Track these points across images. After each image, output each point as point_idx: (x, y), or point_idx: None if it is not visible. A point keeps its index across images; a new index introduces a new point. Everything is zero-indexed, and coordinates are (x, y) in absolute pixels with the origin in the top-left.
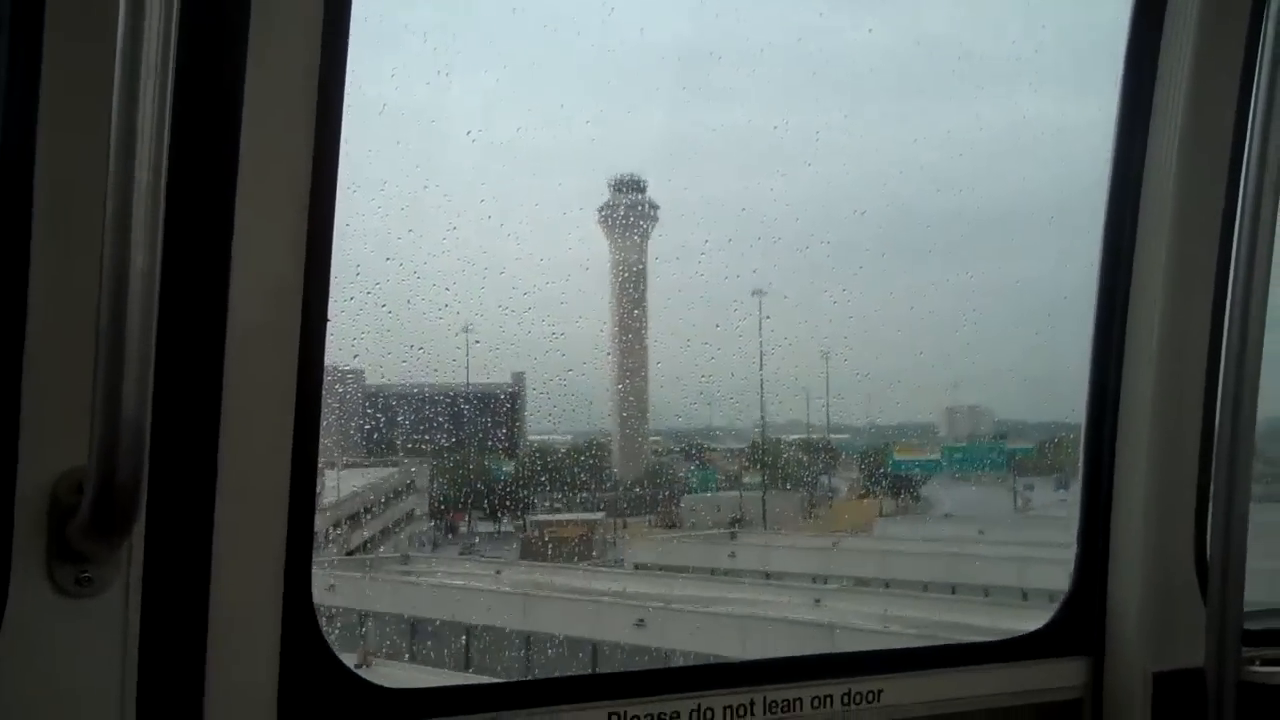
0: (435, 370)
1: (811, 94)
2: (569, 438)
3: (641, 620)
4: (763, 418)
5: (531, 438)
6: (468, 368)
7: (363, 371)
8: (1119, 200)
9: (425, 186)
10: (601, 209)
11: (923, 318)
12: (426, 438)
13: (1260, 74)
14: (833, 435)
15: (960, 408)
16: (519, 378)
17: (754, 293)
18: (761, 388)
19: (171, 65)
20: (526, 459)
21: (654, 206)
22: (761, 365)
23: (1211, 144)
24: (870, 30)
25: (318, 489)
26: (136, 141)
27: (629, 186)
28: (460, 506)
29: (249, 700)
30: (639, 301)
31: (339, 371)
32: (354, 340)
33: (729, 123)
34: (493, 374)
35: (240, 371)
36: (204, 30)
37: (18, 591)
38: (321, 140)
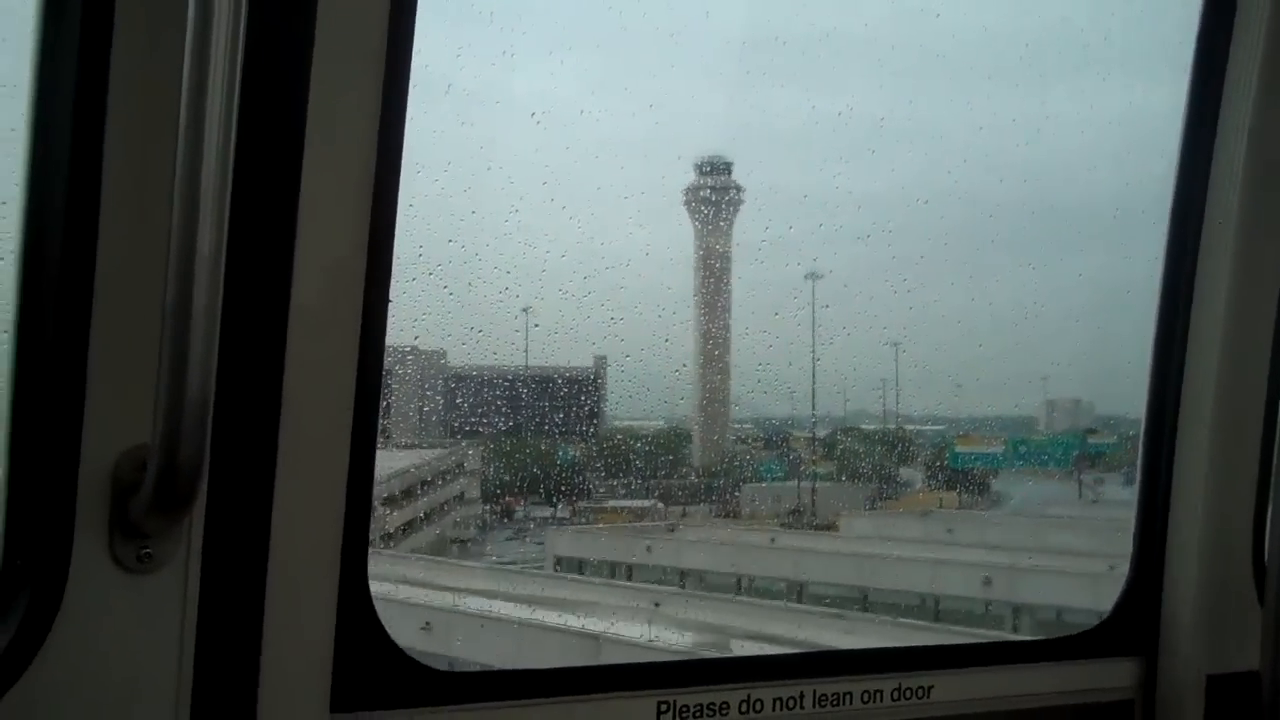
0: (495, 353)
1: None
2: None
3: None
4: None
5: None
6: (526, 351)
7: (444, 352)
8: (1185, 193)
9: (489, 168)
10: (687, 191)
11: (1011, 309)
12: (487, 420)
13: None
14: (928, 427)
15: (1063, 400)
16: (601, 361)
17: (807, 276)
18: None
19: (240, 47)
20: (608, 443)
21: (738, 189)
22: (815, 356)
23: None
24: (938, 15)
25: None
26: (204, 123)
27: (717, 169)
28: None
29: (303, 678)
30: (713, 289)
31: (420, 352)
32: (415, 321)
33: (794, 107)
34: (550, 358)
35: (302, 352)
36: (272, 11)
37: (80, 567)
38: (387, 121)
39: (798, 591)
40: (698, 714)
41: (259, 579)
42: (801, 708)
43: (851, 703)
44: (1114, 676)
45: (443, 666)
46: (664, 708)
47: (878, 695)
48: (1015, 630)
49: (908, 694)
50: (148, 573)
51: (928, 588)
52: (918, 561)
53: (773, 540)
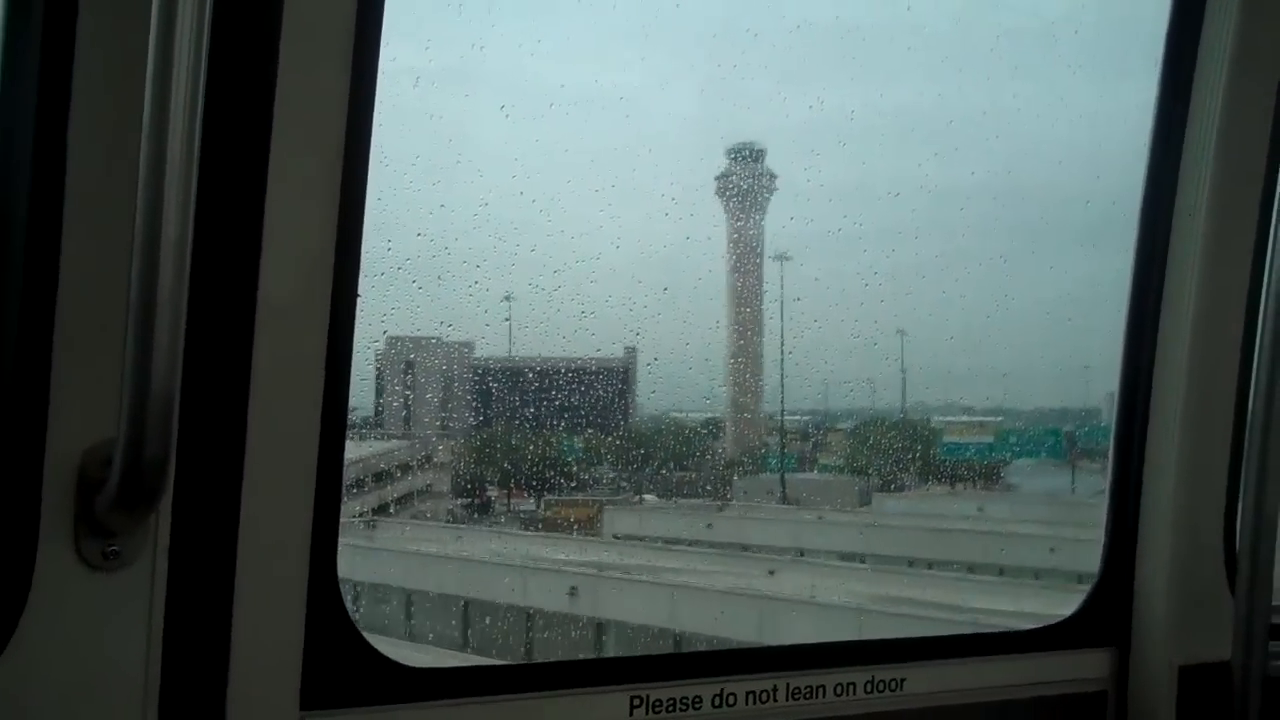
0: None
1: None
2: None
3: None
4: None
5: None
6: (510, 341)
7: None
8: (1155, 187)
9: (458, 161)
10: (719, 178)
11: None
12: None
13: None
14: (989, 418)
15: None
16: (631, 352)
17: (775, 258)
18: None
19: (206, 37)
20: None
21: (773, 177)
22: (783, 346)
23: (1249, 134)
24: (909, 8)
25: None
26: (169, 116)
27: (749, 155)
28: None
29: (273, 675)
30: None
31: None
32: (383, 316)
33: (765, 100)
34: (520, 350)
35: (270, 347)
36: (238, 2)
37: (45, 564)
38: (354, 114)
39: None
40: (670, 708)
41: (227, 576)
42: (775, 701)
43: (825, 696)
44: (1087, 668)
45: None
46: (636, 702)
47: (850, 688)
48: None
49: (880, 686)
50: (114, 570)
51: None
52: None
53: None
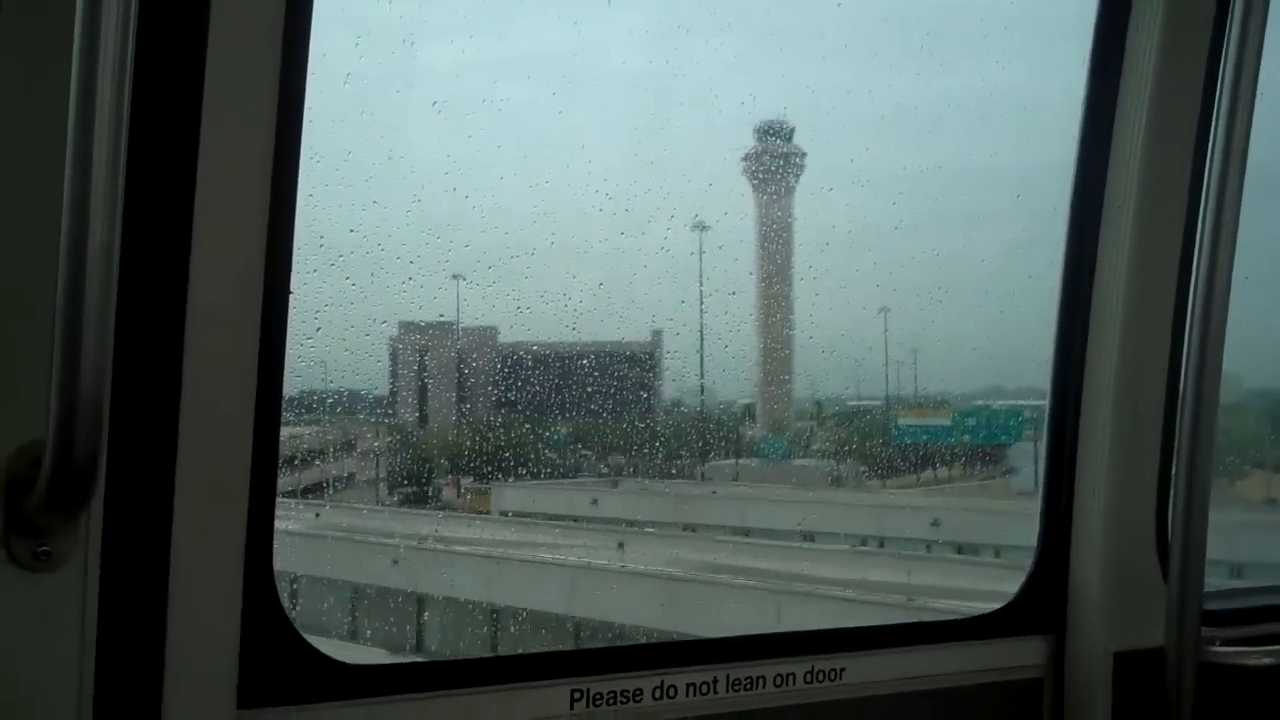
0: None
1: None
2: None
3: None
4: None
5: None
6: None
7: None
8: (1084, 179)
9: (389, 157)
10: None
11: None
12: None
13: (1227, 55)
14: (1032, 401)
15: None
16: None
17: (694, 227)
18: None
19: (132, 34)
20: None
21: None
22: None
23: (1177, 124)
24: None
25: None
26: (95, 111)
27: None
28: None
29: (209, 675)
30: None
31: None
32: (316, 313)
33: (698, 97)
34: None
35: (202, 343)
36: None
37: None
38: (284, 110)
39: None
40: (611, 701)
41: (161, 576)
42: (715, 692)
43: (765, 686)
44: (1023, 655)
45: None
46: (577, 695)
47: (790, 678)
48: None
49: (820, 676)
50: (46, 571)
51: None
52: None
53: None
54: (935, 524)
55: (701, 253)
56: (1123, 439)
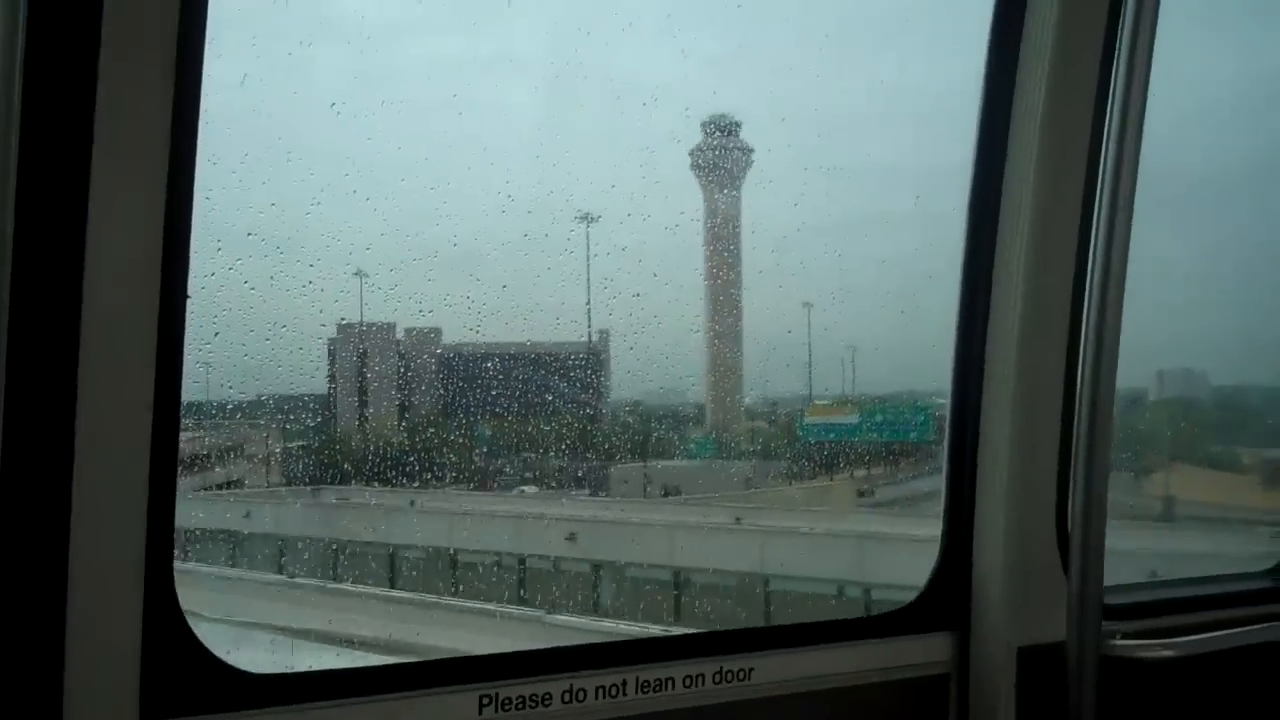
0: (300, 348)
1: None
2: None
3: None
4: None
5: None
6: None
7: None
8: (983, 177)
9: (288, 159)
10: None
11: None
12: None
13: (1119, 54)
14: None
15: (1173, 371)
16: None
17: (579, 218)
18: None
19: (21, 34)
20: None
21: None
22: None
23: (1072, 124)
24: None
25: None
26: None
27: None
28: None
29: (111, 687)
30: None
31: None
32: (214, 318)
33: (601, 98)
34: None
35: (97, 353)
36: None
37: None
38: (179, 113)
39: None
40: (520, 705)
41: (59, 586)
42: (625, 694)
43: (674, 687)
44: (929, 651)
45: None
46: (486, 701)
47: (699, 679)
48: None
49: (729, 676)
50: None
51: None
52: None
53: None
54: None
55: (589, 251)
56: (1023, 435)
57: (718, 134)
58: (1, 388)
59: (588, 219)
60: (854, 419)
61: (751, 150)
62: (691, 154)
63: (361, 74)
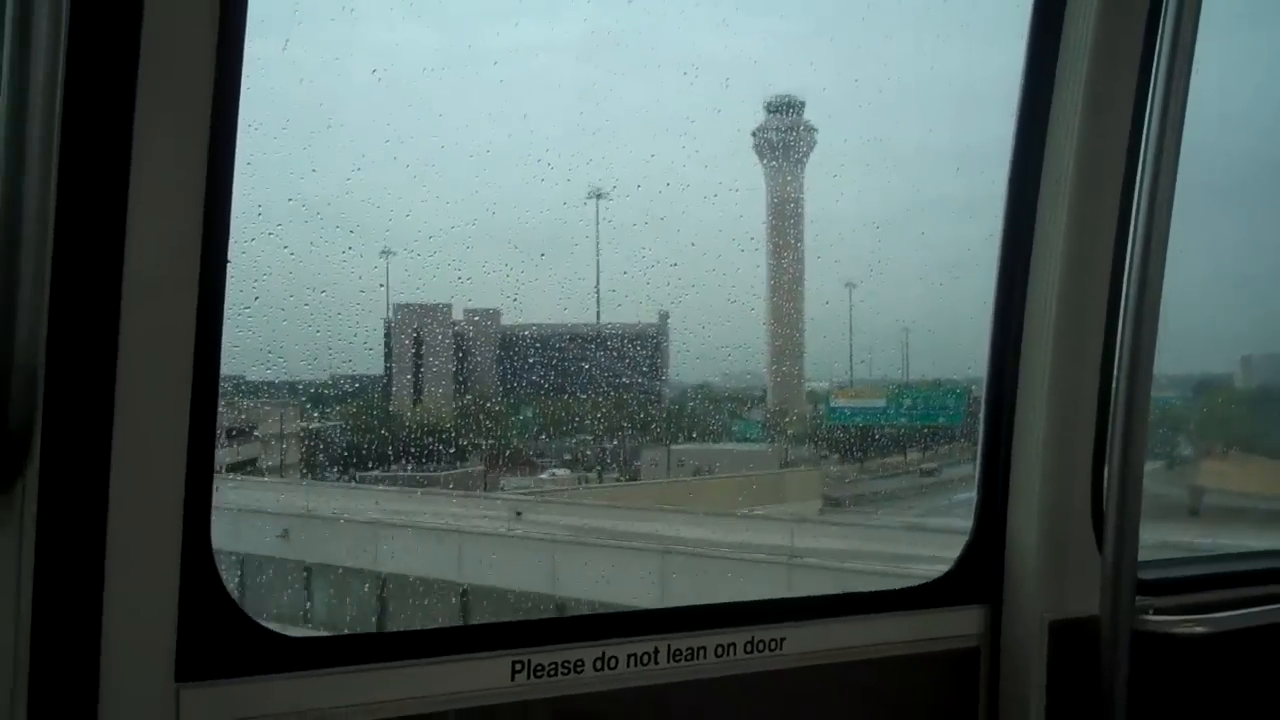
0: (338, 314)
1: None
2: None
3: None
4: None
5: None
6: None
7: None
8: (1023, 159)
9: (329, 126)
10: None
11: None
12: None
13: (1161, 43)
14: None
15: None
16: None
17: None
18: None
19: (66, 2)
20: None
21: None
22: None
23: (1113, 111)
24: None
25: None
26: (29, 78)
27: None
28: None
29: (146, 648)
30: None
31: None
32: (254, 282)
33: (644, 66)
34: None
35: (138, 314)
36: None
37: None
38: (221, 78)
39: None
40: (552, 672)
41: (98, 548)
42: (656, 663)
43: (706, 656)
44: (961, 625)
45: None
46: (518, 667)
47: (731, 648)
48: None
49: (760, 646)
50: None
51: None
52: None
53: None
54: None
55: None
56: (1059, 410)
57: (779, 113)
58: (43, 353)
59: (597, 195)
60: (880, 402)
61: (815, 130)
62: (754, 134)
63: (403, 41)
